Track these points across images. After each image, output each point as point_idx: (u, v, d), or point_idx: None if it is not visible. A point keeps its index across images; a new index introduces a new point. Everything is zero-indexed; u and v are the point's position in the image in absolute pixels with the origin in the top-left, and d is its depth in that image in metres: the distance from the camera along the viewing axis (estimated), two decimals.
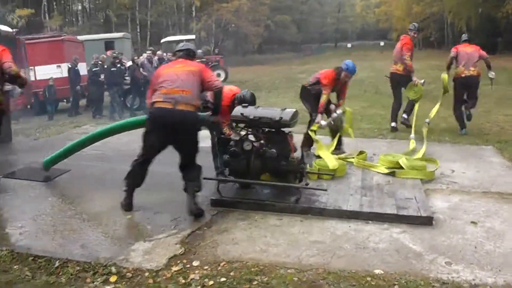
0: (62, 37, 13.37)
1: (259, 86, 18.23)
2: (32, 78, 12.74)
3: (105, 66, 11.49)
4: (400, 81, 7.33)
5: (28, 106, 12.27)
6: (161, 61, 12.43)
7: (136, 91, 11.77)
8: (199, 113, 4.07)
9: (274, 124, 4.18)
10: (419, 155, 5.72)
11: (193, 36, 23.81)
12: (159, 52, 14.06)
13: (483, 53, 7.37)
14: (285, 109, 4.29)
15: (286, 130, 4.32)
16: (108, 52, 14.28)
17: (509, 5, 22.00)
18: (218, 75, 19.86)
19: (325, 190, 4.22)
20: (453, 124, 8.11)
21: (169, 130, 3.93)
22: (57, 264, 3.32)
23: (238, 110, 4.33)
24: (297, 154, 4.56)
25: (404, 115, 7.59)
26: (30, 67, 12.59)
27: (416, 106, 6.92)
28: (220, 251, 3.44)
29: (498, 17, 23.66)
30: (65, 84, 13.03)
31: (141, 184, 4.26)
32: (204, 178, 4.38)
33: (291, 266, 3.19)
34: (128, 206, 4.27)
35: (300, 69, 24.01)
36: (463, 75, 7.20)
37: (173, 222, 4.04)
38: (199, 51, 19.15)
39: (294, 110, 4.31)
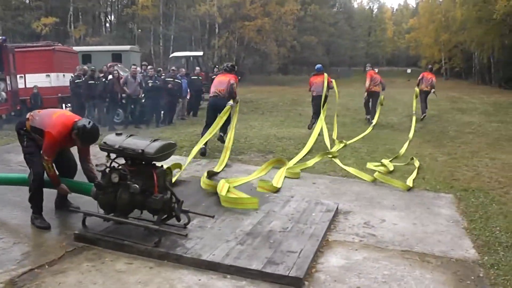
0: (53, 47, 13.48)
1: (260, 107, 17.90)
2: (21, 86, 12.92)
3: (83, 78, 11.39)
4: (376, 95, 12.54)
5: (12, 113, 12.37)
6: (146, 78, 12.21)
7: (113, 106, 11.59)
8: None
9: (137, 156, 3.78)
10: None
11: (200, 53, 23.74)
12: (150, 68, 13.76)
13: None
14: (155, 140, 3.88)
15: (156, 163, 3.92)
16: (108, 64, 14.29)
17: None
18: None
19: (185, 235, 3.74)
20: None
21: None
22: None
23: (105, 138, 3.97)
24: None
25: (368, 116, 12.86)
26: (20, 75, 12.75)
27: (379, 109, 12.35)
28: None
29: None
30: (53, 94, 13.11)
31: None
32: (71, 211, 4.17)
33: None
34: None
35: None
36: (424, 89, 13.52)
37: (23, 256, 3.71)
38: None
39: (167, 142, 3.90)
